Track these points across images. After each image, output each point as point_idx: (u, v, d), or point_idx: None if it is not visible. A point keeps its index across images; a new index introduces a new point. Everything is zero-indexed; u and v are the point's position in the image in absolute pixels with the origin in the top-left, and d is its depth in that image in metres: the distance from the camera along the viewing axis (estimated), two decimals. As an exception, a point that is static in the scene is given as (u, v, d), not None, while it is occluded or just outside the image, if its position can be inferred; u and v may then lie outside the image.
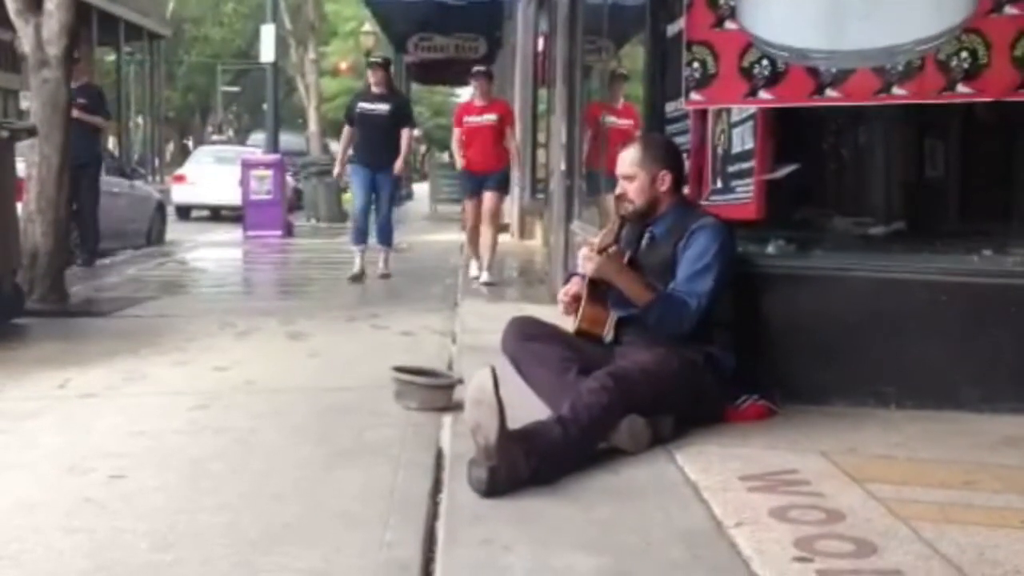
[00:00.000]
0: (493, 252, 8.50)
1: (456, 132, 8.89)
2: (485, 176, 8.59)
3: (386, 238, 9.13)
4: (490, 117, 8.60)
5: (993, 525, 2.73)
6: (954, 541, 2.60)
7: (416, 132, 13.64)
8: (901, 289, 3.97)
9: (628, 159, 3.84)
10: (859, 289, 4.01)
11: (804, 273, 4.15)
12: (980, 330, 3.87)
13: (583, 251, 3.71)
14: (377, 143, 8.82)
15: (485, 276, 8.29)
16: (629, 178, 3.81)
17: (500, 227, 14.21)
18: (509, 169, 8.85)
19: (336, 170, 9.95)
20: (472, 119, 8.67)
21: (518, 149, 9.14)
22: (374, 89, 9.02)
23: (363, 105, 8.95)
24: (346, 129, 9.23)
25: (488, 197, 8.61)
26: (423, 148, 48.26)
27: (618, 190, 3.87)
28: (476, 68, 9.07)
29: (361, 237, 8.94)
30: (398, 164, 8.93)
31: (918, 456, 3.38)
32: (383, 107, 8.85)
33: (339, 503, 2.96)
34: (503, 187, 8.91)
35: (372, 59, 9.91)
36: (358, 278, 8.72)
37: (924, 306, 3.92)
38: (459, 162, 8.82)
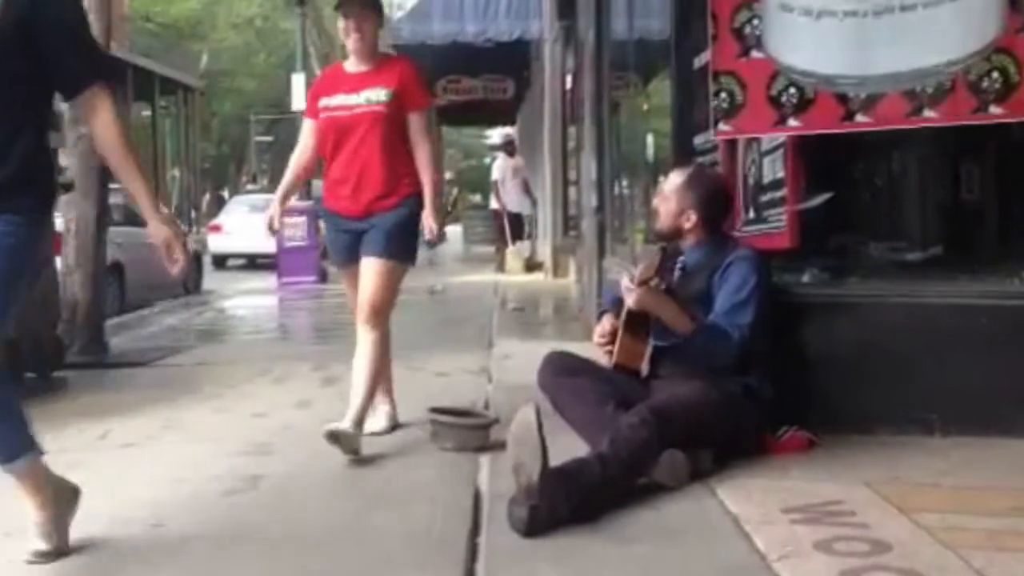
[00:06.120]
0: (372, 393, 4.16)
1: (305, 128, 4.39)
2: (363, 222, 4.20)
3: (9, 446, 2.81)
4: (374, 95, 4.15)
5: (1045, 552, 2.67)
6: (1005, 569, 2.54)
7: (448, 175, 12.99)
8: (940, 314, 3.92)
9: (671, 180, 3.83)
10: (898, 315, 3.96)
11: (841, 301, 4.11)
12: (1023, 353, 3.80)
13: (623, 282, 3.64)
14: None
15: (347, 423, 3.92)
16: (664, 199, 3.82)
17: (533, 266, 14.37)
18: (414, 202, 4.20)
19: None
20: (336, 102, 4.22)
21: (434, 159, 4.27)
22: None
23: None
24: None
25: (371, 268, 4.16)
26: (455, 191, 48.52)
27: (654, 202, 3.86)
28: None
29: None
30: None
31: (964, 483, 3.32)
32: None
33: (378, 546, 2.95)
34: (405, 244, 4.22)
35: None
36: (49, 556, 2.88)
37: (965, 330, 3.86)
38: (275, 209, 4.46)
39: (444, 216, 3.96)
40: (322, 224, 4.64)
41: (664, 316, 3.59)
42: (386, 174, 4.18)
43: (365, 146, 4.17)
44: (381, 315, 4.20)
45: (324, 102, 4.26)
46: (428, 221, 4.23)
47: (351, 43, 4.20)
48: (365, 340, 4.16)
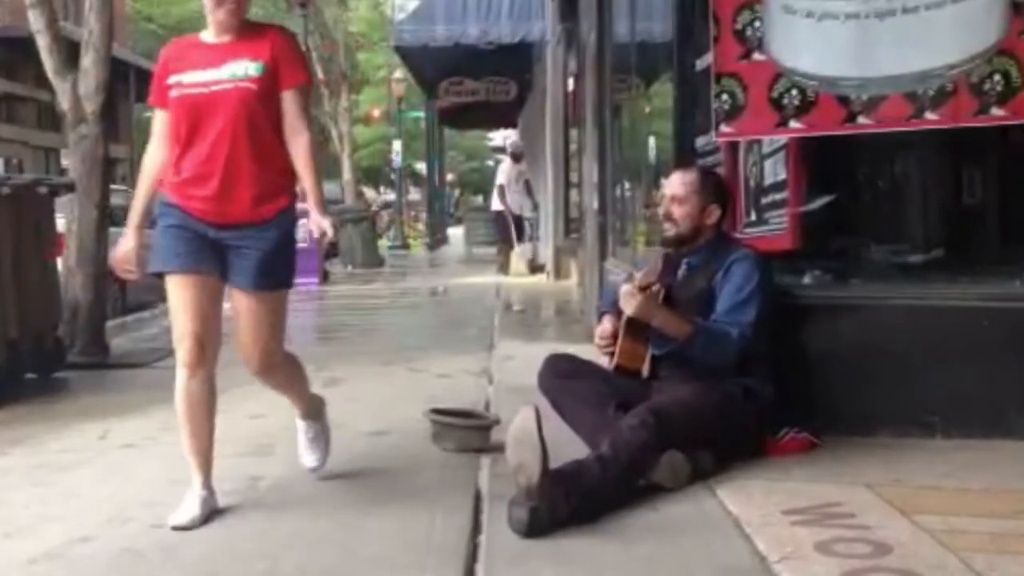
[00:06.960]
0: (305, 396, 3.88)
1: (156, 122, 3.45)
2: (227, 232, 3.35)
3: None
4: (240, 69, 3.32)
5: (1046, 554, 2.66)
6: (1006, 572, 2.53)
7: (450, 176, 12.85)
8: (942, 316, 3.91)
9: (684, 180, 3.78)
10: (899, 317, 3.95)
11: (843, 303, 4.11)
12: (1025, 355, 3.79)
13: (624, 288, 3.63)
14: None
15: (312, 460, 3.79)
16: (680, 200, 3.75)
17: (535, 268, 14.38)
18: (288, 219, 3.41)
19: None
20: (191, 79, 3.33)
21: (314, 149, 3.41)
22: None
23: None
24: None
25: (253, 305, 3.56)
26: (457, 192, 48.53)
27: (662, 210, 3.82)
28: None
29: None
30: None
31: (966, 486, 3.31)
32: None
33: (377, 547, 2.94)
34: (284, 269, 3.50)
35: None
36: None
37: (966, 333, 3.85)
38: (130, 240, 3.42)
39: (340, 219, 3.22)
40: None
41: (659, 323, 3.57)
42: (259, 170, 3.31)
43: (229, 133, 3.28)
44: (277, 355, 3.59)
45: (175, 79, 3.34)
46: (316, 219, 3.33)
47: (221, 14, 3.33)
48: (269, 386, 3.70)
